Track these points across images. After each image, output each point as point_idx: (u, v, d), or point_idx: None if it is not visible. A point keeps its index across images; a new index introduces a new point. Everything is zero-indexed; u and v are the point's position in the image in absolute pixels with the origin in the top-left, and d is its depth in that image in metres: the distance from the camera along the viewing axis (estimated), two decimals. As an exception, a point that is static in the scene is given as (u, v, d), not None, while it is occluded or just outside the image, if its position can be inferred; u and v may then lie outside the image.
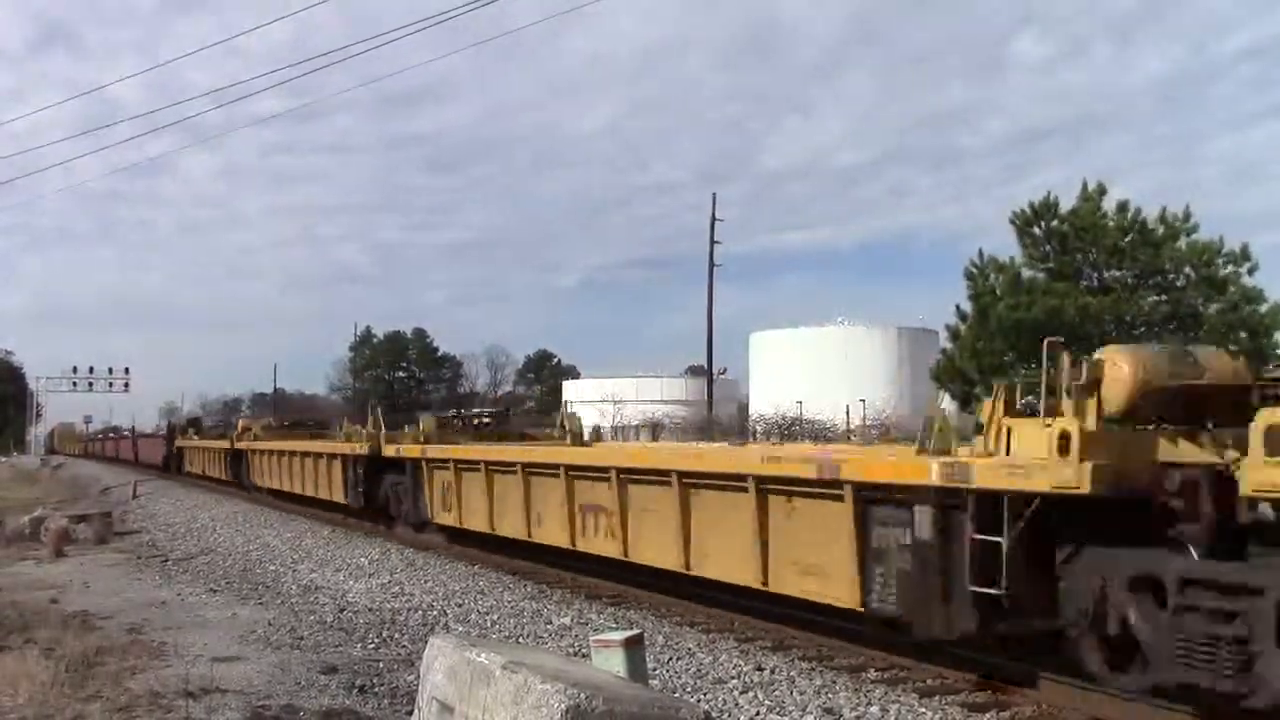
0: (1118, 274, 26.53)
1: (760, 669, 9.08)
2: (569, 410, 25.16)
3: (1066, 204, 26.88)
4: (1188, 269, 25.72)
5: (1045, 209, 26.99)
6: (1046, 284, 25.86)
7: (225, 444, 34.84)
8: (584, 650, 8.32)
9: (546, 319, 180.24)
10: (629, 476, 12.06)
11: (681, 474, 11.17)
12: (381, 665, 9.42)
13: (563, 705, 4.98)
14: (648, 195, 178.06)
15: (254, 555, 18.20)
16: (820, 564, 9.25)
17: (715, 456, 12.30)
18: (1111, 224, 26.37)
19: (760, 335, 71.86)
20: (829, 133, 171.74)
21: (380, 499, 20.33)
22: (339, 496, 22.41)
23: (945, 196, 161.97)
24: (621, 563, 12.38)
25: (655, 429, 53.24)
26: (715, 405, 56.28)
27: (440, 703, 5.73)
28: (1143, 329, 26.13)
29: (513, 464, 14.82)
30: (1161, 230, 26.07)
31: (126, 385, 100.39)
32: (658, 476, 11.56)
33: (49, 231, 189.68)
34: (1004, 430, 7.61)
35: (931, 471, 7.86)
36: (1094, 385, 6.99)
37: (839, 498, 8.91)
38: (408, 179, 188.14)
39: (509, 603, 12.65)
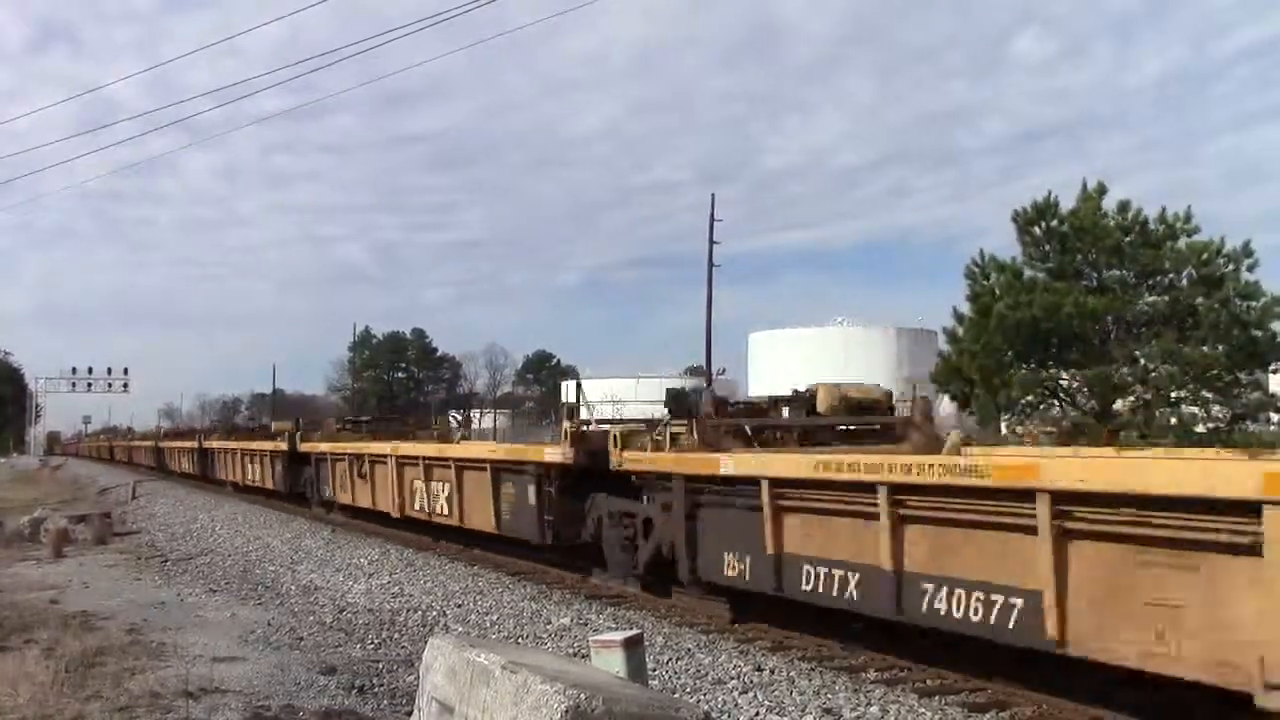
0: (1118, 274, 26.48)
1: (760, 669, 9.07)
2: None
3: (1067, 204, 26.85)
4: (1188, 269, 25.67)
5: (1046, 208, 26.94)
6: (1046, 283, 25.81)
7: (194, 444, 40.86)
8: (584, 651, 8.31)
9: (546, 319, 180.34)
10: (431, 461, 17.87)
11: (422, 457, 18.09)
12: (381, 666, 9.41)
13: (562, 705, 4.98)
14: (647, 195, 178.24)
15: (253, 556, 18.19)
16: (481, 508, 15.74)
17: (430, 446, 19.13)
18: (1112, 224, 26.32)
19: (760, 335, 71.91)
20: (829, 132, 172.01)
21: (300, 485, 25.63)
22: (270, 484, 28.05)
23: (944, 196, 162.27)
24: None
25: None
26: (715, 405, 56.15)
27: (440, 703, 5.73)
28: (1142, 328, 26.11)
29: (361, 454, 21.01)
30: (1162, 230, 26.02)
31: (126, 385, 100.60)
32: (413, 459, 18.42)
33: (49, 231, 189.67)
34: (566, 431, 13.69)
35: (528, 454, 14.69)
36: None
37: (484, 469, 15.58)
38: (408, 179, 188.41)
39: (508, 603, 12.65)
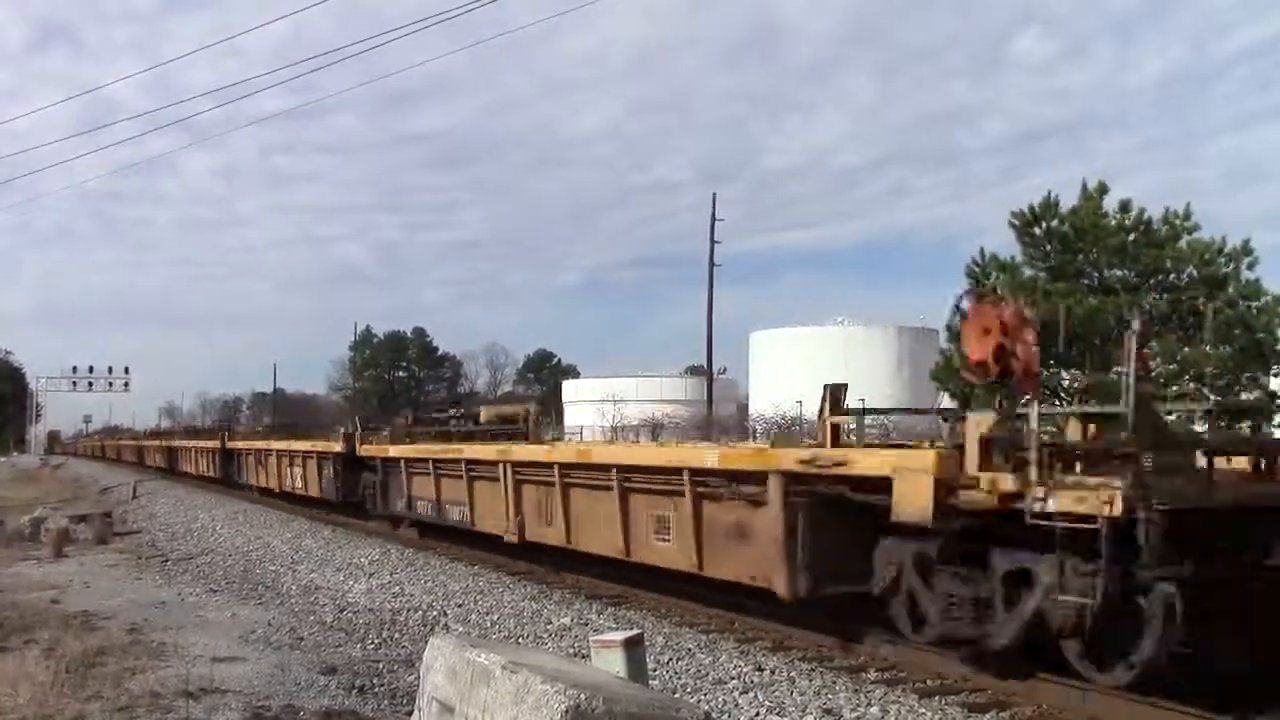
0: (1119, 274, 26.42)
1: (760, 669, 9.07)
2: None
3: (1068, 204, 26.78)
4: (1189, 269, 25.62)
5: (1046, 209, 26.88)
6: (1049, 284, 25.76)
7: (165, 443, 50.54)
8: (584, 651, 8.31)
9: (546, 318, 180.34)
10: (291, 453, 26.78)
11: (288, 450, 26.95)
12: (381, 666, 9.42)
13: (563, 705, 4.98)
14: (647, 195, 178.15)
15: (254, 555, 18.20)
16: (313, 481, 24.11)
17: (286, 442, 28.36)
18: (1113, 223, 26.25)
19: (760, 335, 71.80)
20: (829, 132, 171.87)
21: (230, 472, 34.06)
22: (211, 473, 36.59)
23: (945, 196, 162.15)
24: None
25: (655, 429, 53.11)
26: (715, 405, 56.18)
27: (440, 703, 5.73)
28: (1143, 328, 26.05)
29: (259, 449, 30.69)
30: (1163, 230, 25.96)
31: (127, 385, 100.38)
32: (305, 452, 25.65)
33: (48, 231, 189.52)
34: (342, 433, 22.51)
35: (328, 448, 22.90)
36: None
37: (312, 457, 24.26)
38: (408, 178, 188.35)
39: (509, 603, 12.65)
